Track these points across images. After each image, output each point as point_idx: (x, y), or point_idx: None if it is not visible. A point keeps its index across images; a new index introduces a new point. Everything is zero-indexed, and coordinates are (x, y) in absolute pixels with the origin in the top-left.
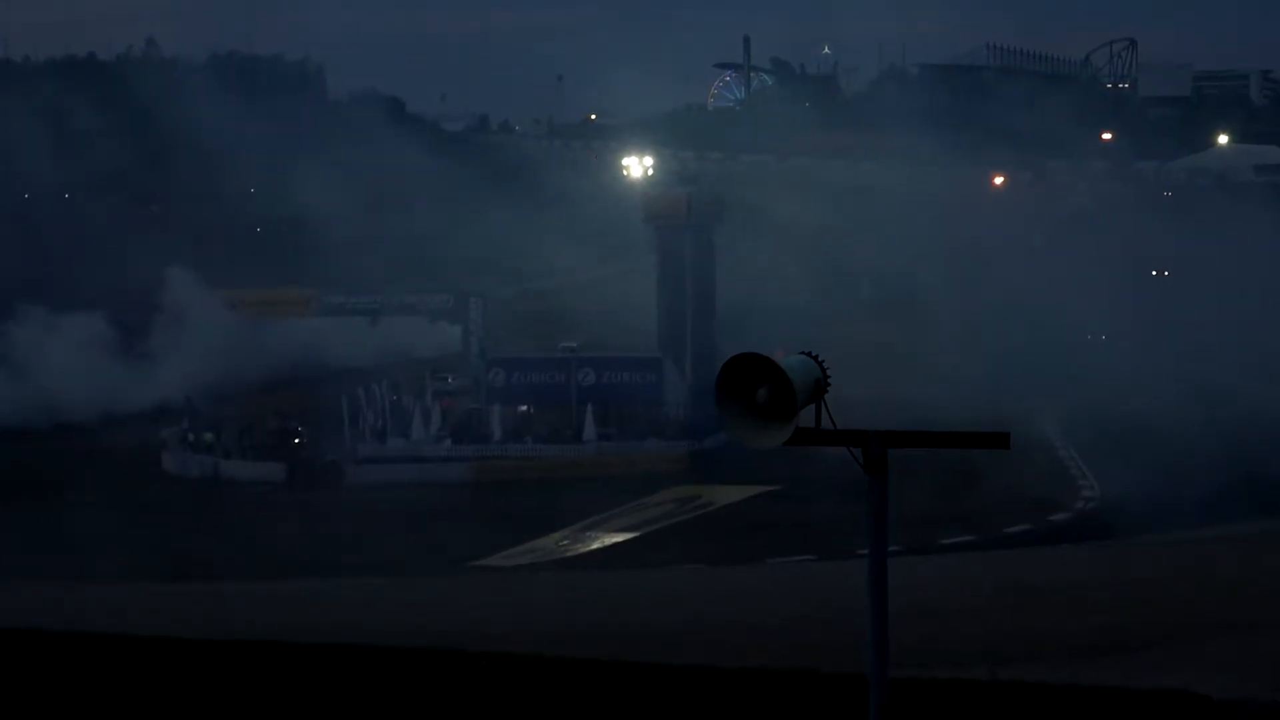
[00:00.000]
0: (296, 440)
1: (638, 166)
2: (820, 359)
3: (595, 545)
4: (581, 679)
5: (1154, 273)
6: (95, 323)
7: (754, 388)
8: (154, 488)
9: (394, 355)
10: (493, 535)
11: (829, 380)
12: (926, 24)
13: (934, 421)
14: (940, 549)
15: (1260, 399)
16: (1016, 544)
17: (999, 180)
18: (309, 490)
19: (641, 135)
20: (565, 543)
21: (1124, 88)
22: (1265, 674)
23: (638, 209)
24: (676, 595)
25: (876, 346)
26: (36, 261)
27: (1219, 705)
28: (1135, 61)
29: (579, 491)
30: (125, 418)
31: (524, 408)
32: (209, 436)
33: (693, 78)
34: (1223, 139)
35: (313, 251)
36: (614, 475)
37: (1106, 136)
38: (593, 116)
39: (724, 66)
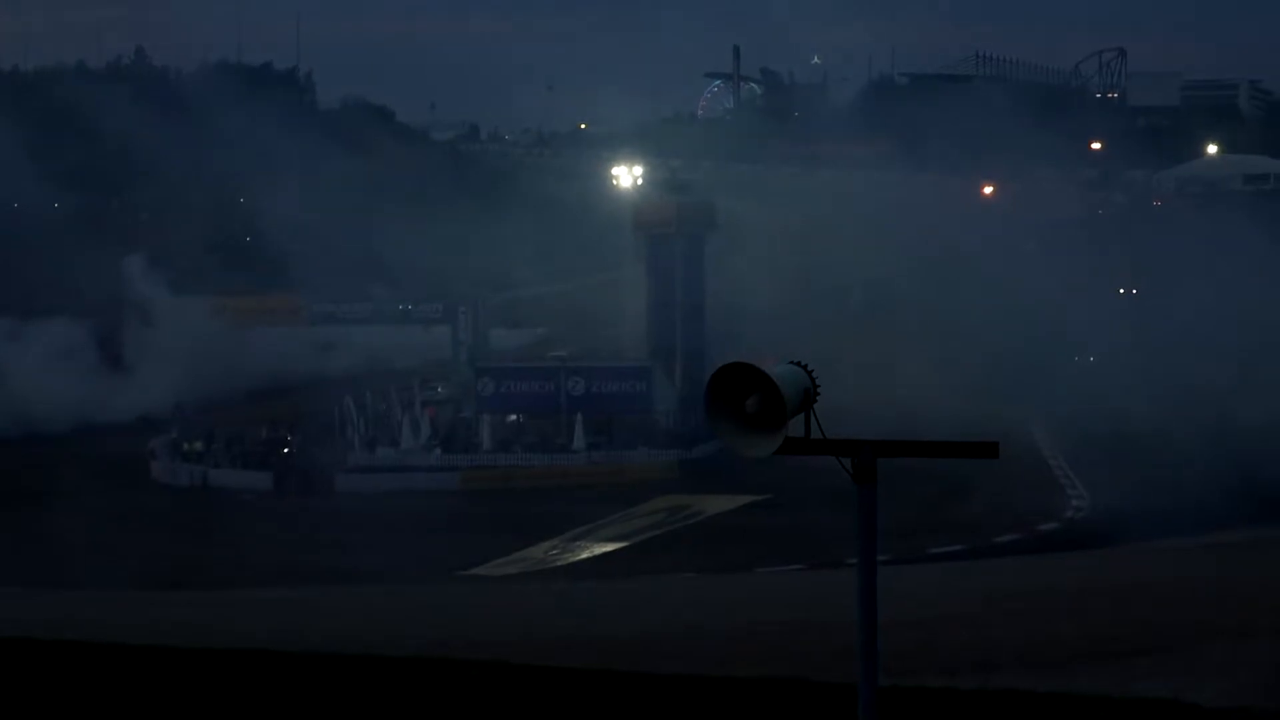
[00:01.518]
0: (286, 449)
1: (627, 175)
2: (810, 368)
3: (585, 555)
4: (570, 687)
5: (1143, 281)
6: (74, 331)
7: (744, 397)
8: (143, 496)
9: (383, 363)
10: (482, 544)
11: (818, 389)
12: (917, 34)
13: (923, 431)
14: (930, 558)
15: (1250, 407)
16: (1006, 553)
17: (988, 189)
18: (298, 499)
19: (632, 144)
20: (554, 552)
21: (1113, 97)
22: (1257, 682)
23: (627, 218)
24: (666, 604)
25: (866, 355)
26: (22, 269)
27: (1210, 713)
28: (1124, 71)
29: (568, 500)
30: (105, 427)
31: (514, 417)
32: (199, 445)
33: (684, 87)
34: (1212, 149)
35: (302, 260)
36: (604, 484)
37: (1095, 146)
38: (582, 125)
39: (714, 76)
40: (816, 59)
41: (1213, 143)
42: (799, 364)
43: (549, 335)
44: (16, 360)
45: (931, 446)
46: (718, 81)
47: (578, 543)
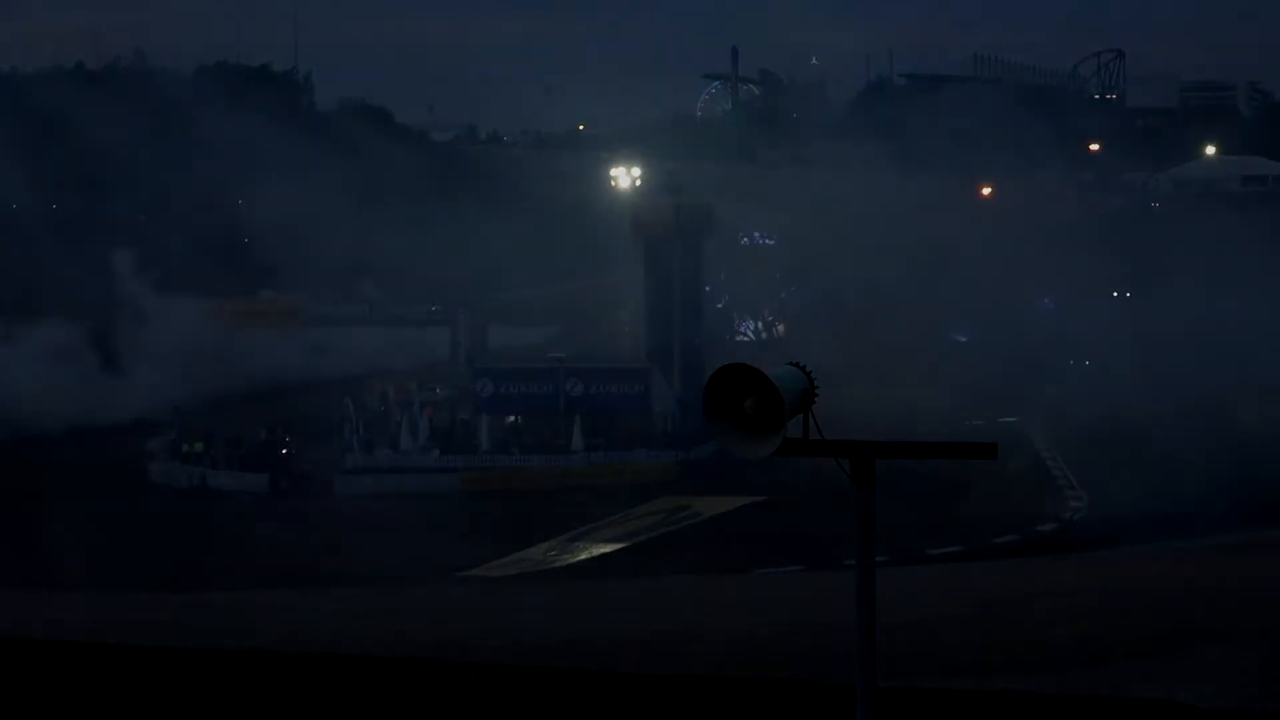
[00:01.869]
0: (284, 451)
1: (626, 177)
2: (808, 369)
3: (583, 556)
4: (568, 689)
5: (1141, 283)
6: (69, 333)
7: (742, 398)
8: (142, 498)
9: (381, 364)
10: (480, 546)
11: (817, 390)
12: (915, 35)
13: (921, 432)
14: (928, 559)
15: (1247, 408)
16: (1004, 554)
17: (986, 191)
18: (297, 500)
19: (630, 145)
20: (553, 553)
21: (1111, 98)
22: (1253, 684)
23: (625, 219)
24: (664, 605)
25: (863, 357)
26: (17, 271)
27: (1206, 714)
28: (1123, 72)
29: (567, 502)
30: (102, 429)
31: (512, 418)
32: (198, 446)
33: (682, 88)
34: (1210, 150)
35: (299, 261)
36: (602, 485)
37: (1094, 147)
38: (581, 127)
39: (712, 77)
40: (815, 60)
41: (1211, 144)
42: (797, 365)
43: (557, 335)
44: (10, 362)
45: (930, 448)
46: (716, 82)
47: (576, 544)
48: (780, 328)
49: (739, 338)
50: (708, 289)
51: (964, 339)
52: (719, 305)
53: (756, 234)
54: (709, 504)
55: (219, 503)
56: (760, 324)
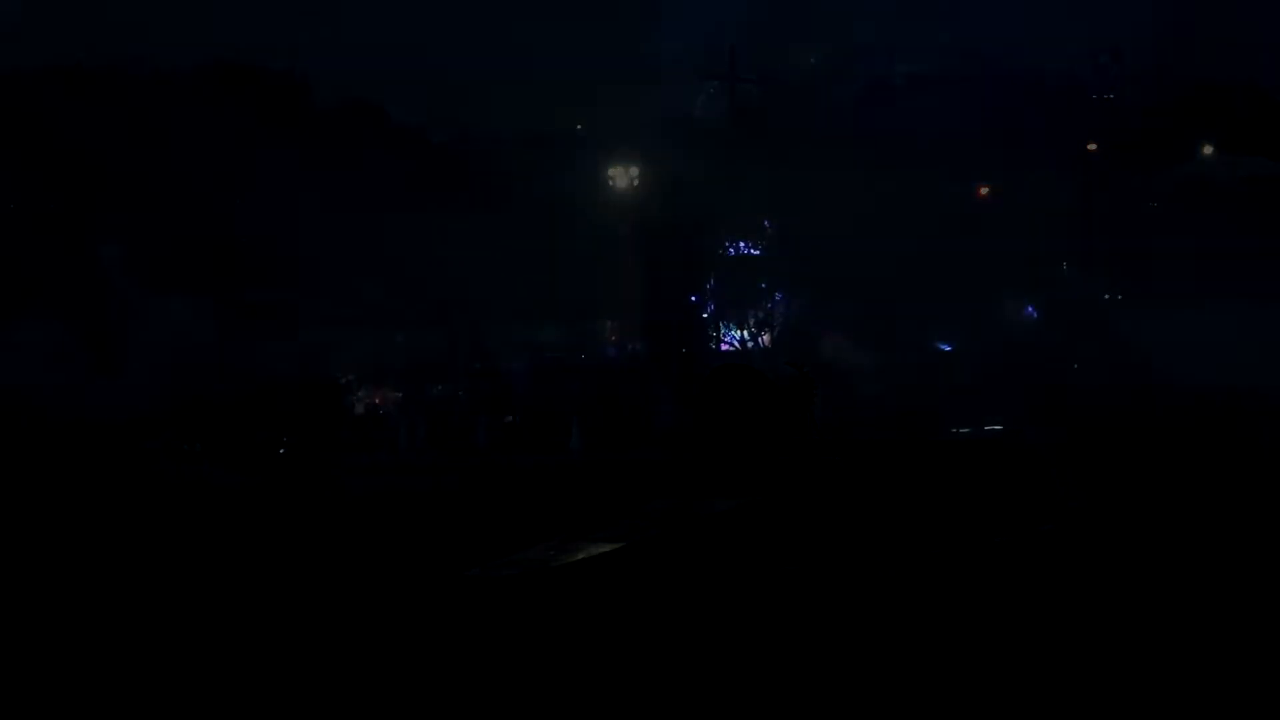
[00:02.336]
0: (282, 449)
1: (624, 176)
2: (806, 369)
3: (581, 556)
4: (566, 688)
5: (1139, 283)
6: (62, 332)
7: (740, 398)
8: (139, 497)
9: (380, 363)
10: (478, 546)
11: (816, 391)
12: (913, 34)
13: (919, 431)
14: (927, 558)
15: (1244, 409)
16: (1003, 554)
17: (984, 191)
18: (294, 500)
19: (629, 145)
20: (551, 554)
21: (1110, 98)
22: None
23: (624, 219)
24: (663, 605)
25: (862, 355)
26: (9, 271)
27: None
28: (1121, 72)
29: (565, 501)
30: (97, 428)
31: (510, 417)
32: (197, 446)
33: (680, 87)
34: (1210, 150)
35: (297, 260)
36: (600, 485)
37: (1091, 147)
38: (579, 126)
39: (710, 77)
40: (813, 59)
41: (1211, 144)
42: (795, 365)
43: (556, 335)
44: (3, 361)
45: (928, 448)
46: (714, 82)
47: (574, 544)
48: (765, 338)
49: (723, 347)
50: (693, 298)
51: (948, 349)
52: (704, 315)
53: (743, 244)
54: (708, 504)
55: (216, 502)
56: (745, 334)
